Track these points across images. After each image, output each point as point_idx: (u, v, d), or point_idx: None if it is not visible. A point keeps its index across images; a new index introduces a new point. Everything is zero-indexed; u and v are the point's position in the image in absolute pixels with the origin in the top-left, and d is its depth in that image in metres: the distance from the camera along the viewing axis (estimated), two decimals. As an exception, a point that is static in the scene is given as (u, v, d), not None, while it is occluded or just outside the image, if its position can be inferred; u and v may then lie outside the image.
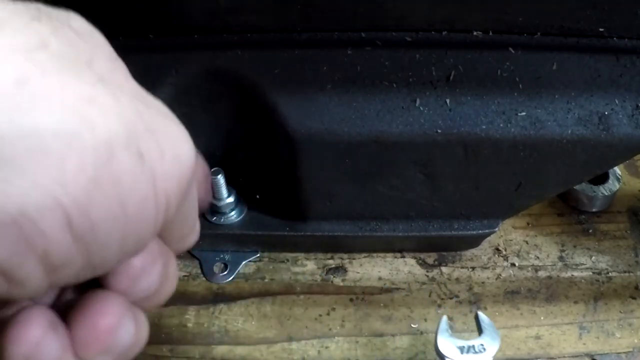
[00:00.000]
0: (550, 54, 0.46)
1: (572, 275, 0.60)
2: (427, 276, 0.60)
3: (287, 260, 0.61)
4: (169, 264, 0.28)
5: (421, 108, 0.48)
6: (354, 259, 0.61)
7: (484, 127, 0.47)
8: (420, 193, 0.53)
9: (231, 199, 0.57)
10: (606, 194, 0.65)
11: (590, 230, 0.64)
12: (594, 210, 0.66)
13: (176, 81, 0.50)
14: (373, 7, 0.44)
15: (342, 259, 0.61)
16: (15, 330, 0.23)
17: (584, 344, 0.54)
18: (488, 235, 0.58)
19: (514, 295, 0.58)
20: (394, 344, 0.55)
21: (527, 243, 0.63)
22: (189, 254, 0.61)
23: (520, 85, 0.47)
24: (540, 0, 0.42)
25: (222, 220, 0.58)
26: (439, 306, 0.57)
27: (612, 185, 0.65)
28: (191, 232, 0.30)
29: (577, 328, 0.56)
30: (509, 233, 0.64)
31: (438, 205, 0.54)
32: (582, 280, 0.59)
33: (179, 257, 0.61)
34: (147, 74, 0.49)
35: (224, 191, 0.56)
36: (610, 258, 0.61)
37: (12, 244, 0.19)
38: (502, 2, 0.43)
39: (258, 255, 0.61)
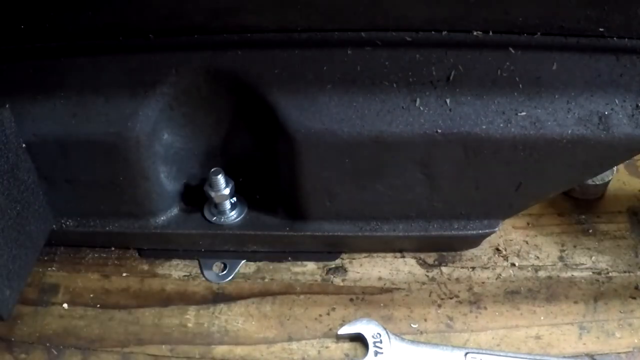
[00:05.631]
0: (550, 54, 0.46)
1: (572, 275, 0.60)
2: (427, 276, 0.60)
3: (288, 259, 0.61)
4: None
5: (421, 108, 0.48)
6: (354, 259, 0.61)
7: (484, 127, 0.47)
8: (420, 193, 0.53)
9: (231, 199, 0.57)
10: (598, 182, 0.65)
11: (590, 230, 0.64)
12: (587, 198, 0.66)
13: (176, 81, 0.50)
14: (373, 7, 0.44)
15: (342, 259, 0.61)
16: None
17: (584, 344, 0.54)
18: (488, 235, 0.58)
19: (514, 295, 0.58)
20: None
21: (527, 243, 0.63)
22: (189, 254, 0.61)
23: (520, 85, 0.47)
24: (540, 0, 0.42)
25: (222, 220, 0.58)
26: (439, 306, 0.57)
27: (604, 174, 0.65)
28: None
29: (577, 328, 0.55)
30: (509, 233, 0.64)
31: (438, 205, 0.54)
32: (582, 280, 0.59)
33: (179, 257, 0.61)
34: (147, 74, 0.49)
35: (224, 191, 0.56)
36: (610, 258, 0.61)
37: None
38: (502, 2, 0.43)
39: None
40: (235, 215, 0.59)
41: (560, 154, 0.48)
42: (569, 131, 0.47)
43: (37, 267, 0.60)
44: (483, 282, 0.59)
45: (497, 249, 0.62)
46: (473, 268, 0.60)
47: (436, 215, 0.56)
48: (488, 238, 0.60)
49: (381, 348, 0.53)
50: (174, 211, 0.59)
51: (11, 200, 0.48)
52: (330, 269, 0.61)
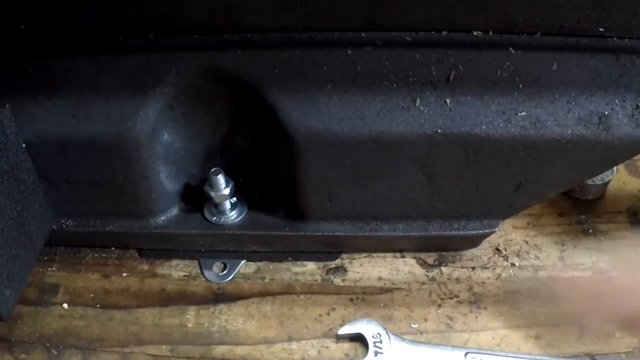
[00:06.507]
0: (550, 54, 0.46)
1: (572, 275, 0.60)
2: (427, 276, 0.60)
3: (288, 259, 0.61)
4: None
5: (421, 108, 0.48)
6: (354, 259, 0.61)
7: (484, 127, 0.47)
8: (420, 193, 0.53)
9: (231, 199, 0.57)
10: (598, 182, 0.65)
11: (590, 230, 0.64)
12: (587, 198, 0.66)
13: (176, 81, 0.50)
14: (373, 7, 0.44)
15: (342, 259, 0.61)
16: None
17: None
18: (488, 235, 0.58)
19: (514, 295, 0.58)
20: (394, 344, 0.55)
21: (527, 243, 0.63)
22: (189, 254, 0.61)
23: (520, 85, 0.47)
24: (540, 0, 0.42)
25: (222, 220, 0.58)
26: (439, 306, 0.57)
27: (604, 174, 0.65)
28: None
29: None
30: (509, 233, 0.64)
31: (438, 205, 0.54)
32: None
33: (179, 257, 0.61)
34: (147, 74, 0.49)
35: (224, 191, 0.56)
36: (610, 258, 0.61)
37: None
38: (502, 2, 0.43)
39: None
40: (235, 215, 0.59)
41: (560, 154, 0.48)
42: (569, 131, 0.47)
43: (37, 267, 0.60)
44: (483, 282, 0.59)
45: (497, 249, 0.62)
46: (473, 268, 0.60)
47: (436, 215, 0.56)
48: (488, 238, 0.60)
49: (381, 348, 0.53)
50: (174, 211, 0.59)
51: (11, 200, 0.48)
52: (330, 269, 0.61)
